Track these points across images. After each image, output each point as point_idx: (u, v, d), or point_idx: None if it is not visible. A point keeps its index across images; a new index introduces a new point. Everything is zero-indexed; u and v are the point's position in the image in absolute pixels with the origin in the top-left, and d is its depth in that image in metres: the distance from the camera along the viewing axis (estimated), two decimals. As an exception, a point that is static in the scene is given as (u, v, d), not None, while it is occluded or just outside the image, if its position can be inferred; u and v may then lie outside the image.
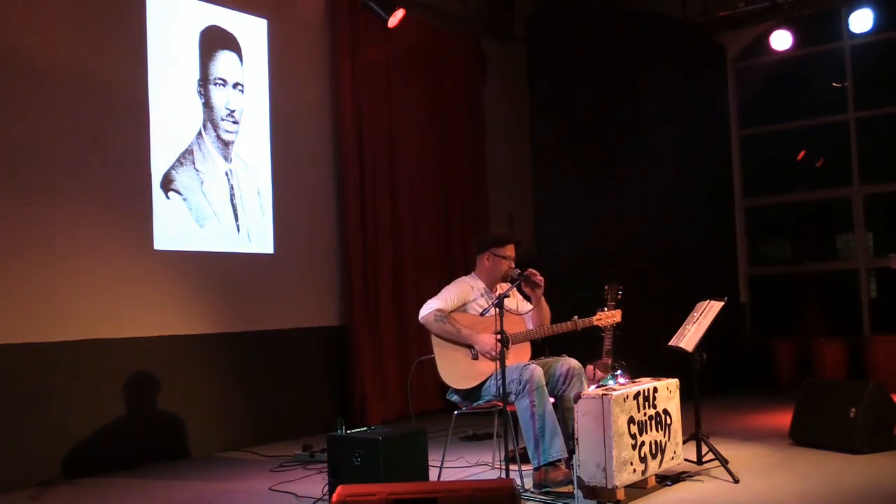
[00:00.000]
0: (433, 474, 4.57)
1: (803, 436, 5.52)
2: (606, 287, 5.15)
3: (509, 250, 4.84)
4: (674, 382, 4.65)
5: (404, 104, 7.79)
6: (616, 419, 4.05)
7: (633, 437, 4.17)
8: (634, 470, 4.16)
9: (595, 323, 4.67)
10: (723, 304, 4.96)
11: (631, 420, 4.17)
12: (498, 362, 4.24)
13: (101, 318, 5.58)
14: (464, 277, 4.93)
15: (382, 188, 7.50)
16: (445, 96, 8.27)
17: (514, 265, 4.83)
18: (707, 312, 4.94)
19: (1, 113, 5.20)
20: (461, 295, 4.75)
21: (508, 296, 4.52)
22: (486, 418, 5.05)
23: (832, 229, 9.68)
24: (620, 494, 4.07)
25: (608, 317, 4.71)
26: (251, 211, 6.64)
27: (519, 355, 4.66)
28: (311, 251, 7.07)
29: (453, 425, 4.72)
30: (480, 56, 8.76)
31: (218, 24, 6.52)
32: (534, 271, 4.66)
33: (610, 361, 5.40)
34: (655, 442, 4.36)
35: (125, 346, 5.69)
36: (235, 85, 6.62)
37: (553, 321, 4.78)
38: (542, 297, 4.75)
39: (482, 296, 4.81)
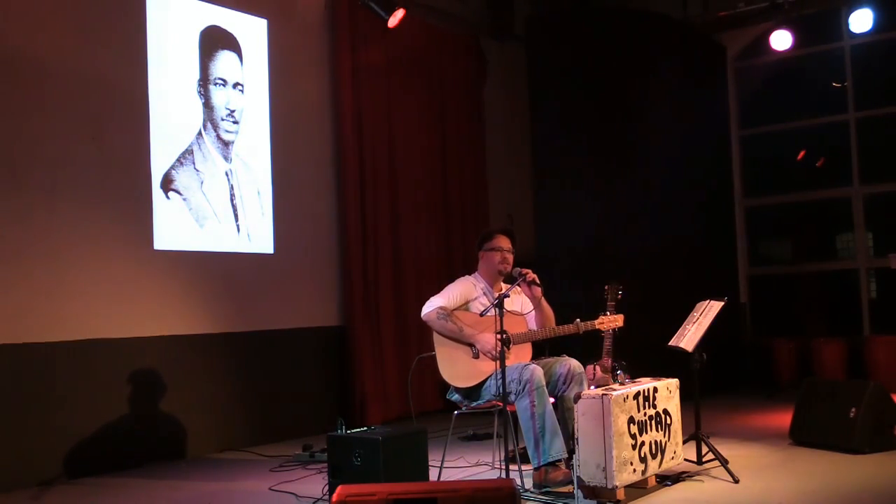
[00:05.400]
0: (433, 474, 4.57)
1: (803, 436, 5.52)
2: (606, 287, 5.15)
3: (498, 241, 4.84)
4: (674, 382, 4.65)
5: (404, 104, 7.79)
6: (616, 419, 4.05)
7: (633, 437, 4.17)
8: (634, 470, 4.16)
9: (597, 326, 4.67)
10: (723, 304, 4.96)
11: (631, 420, 4.17)
12: (498, 362, 4.24)
13: (101, 318, 5.58)
14: (467, 276, 4.93)
15: (382, 188, 7.50)
16: (445, 96, 8.27)
17: (509, 257, 4.83)
18: (707, 312, 4.94)
19: (1, 113, 5.20)
20: (463, 293, 4.75)
21: (509, 296, 4.51)
22: (486, 418, 5.05)
23: (832, 229, 9.68)
24: (620, 494, 4.07)
25: (610, 321, 4.69)
26: (251, 211, 6.64)
27: (520, 355, 4.65)
28: (311, 251, 7.07)
29: (453, 425, 4.72)
30: (480, 56, 8.77)
31: (218, 24, 6.52)
32: (526, 270, 4.64)
33: (610, 362, 5.41)
34: (655, 442, 4.36)
35: (125, 346, 5.69)
36: (235, 85, 6.62)
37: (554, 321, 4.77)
38: (543, 299, 4.74)
39: (484, 294, 4.81)
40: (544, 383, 4.38)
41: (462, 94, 8.47)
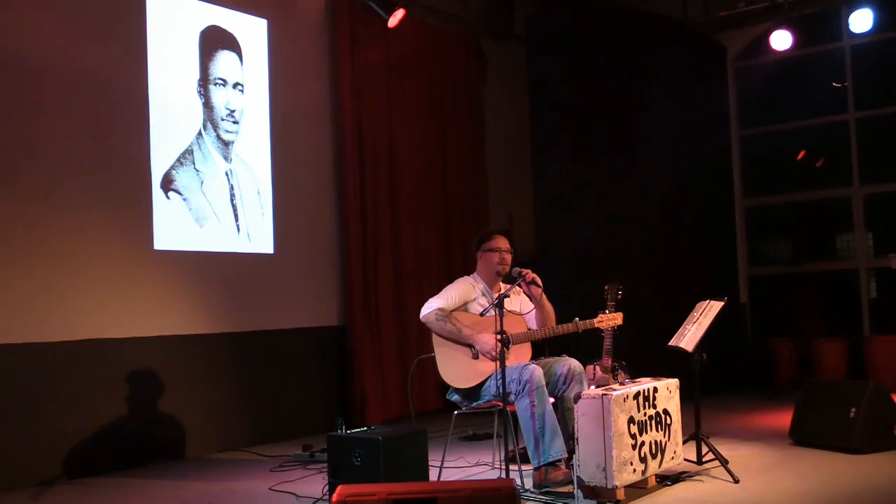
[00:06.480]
0: (433, 474, 4.57)
1: (803, 436, 5.52)
2: (606, 287, 5.15)
3: (496, 242, 4.84)
4: (674, 382, 4.65)
5: (404, 104, 7.79)
6: (616, 419, 4.05)
7: (633, 437, 4.17)
8: (634, 470, 4.16)
9: (596, 325, 4.67)
10: (723, 304, 4.96)
11: (631, 420, 4.17)
12: (498, 362, 4.24)
13: (101, 318, 5.58)
14: (466, 277, 4.93)
15: (382, 188, 7.51)
16: (445, 96, 8.27)
17: (507, 257, 4.82)
18: (707, 312, 4.94)
19: (1, 113, 5.20)
20: (462, 294, 4.75)
21: (508, 296, 4.51)
22: (486, 418, 5.05)
23: (832, 229, 9.68)
24: (620, 494, 4.07)
25: (609, 319, 4.69)
26: (251, 211, 6.64)
27: (519, 355, 4.65)
28: (311, 251, 7.07)
29: (453, 425, 4.72)
30: (480, 56, 8.77)
31: (218, 24, 6.52)
32: (526, 270, 4.64)
33: (610, 361, 5.41)
34: (655, 442, 4.36)
35: (125, 346, 5.69)
36: (235, 85, 6.62)
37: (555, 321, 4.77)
38: (545, 297, 4.73)
39: (483, 295, 4.81)
40: (544, 383, 4.38)
41: (462, 94, 8.47)
